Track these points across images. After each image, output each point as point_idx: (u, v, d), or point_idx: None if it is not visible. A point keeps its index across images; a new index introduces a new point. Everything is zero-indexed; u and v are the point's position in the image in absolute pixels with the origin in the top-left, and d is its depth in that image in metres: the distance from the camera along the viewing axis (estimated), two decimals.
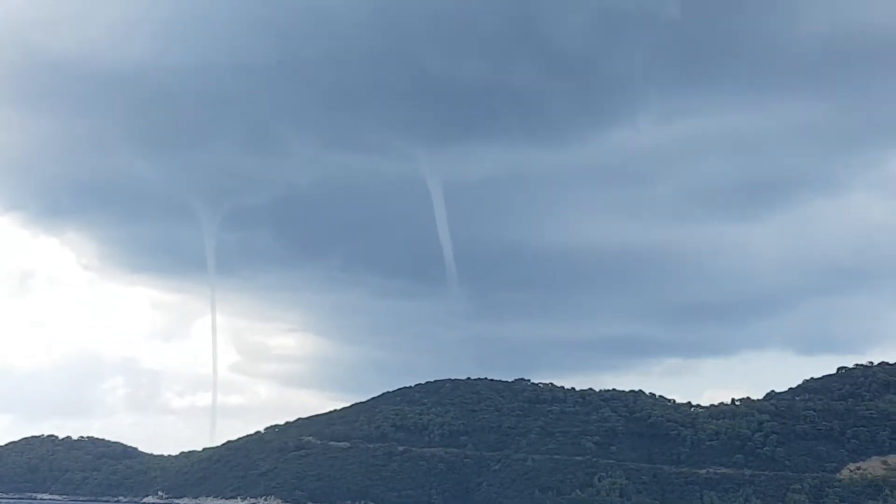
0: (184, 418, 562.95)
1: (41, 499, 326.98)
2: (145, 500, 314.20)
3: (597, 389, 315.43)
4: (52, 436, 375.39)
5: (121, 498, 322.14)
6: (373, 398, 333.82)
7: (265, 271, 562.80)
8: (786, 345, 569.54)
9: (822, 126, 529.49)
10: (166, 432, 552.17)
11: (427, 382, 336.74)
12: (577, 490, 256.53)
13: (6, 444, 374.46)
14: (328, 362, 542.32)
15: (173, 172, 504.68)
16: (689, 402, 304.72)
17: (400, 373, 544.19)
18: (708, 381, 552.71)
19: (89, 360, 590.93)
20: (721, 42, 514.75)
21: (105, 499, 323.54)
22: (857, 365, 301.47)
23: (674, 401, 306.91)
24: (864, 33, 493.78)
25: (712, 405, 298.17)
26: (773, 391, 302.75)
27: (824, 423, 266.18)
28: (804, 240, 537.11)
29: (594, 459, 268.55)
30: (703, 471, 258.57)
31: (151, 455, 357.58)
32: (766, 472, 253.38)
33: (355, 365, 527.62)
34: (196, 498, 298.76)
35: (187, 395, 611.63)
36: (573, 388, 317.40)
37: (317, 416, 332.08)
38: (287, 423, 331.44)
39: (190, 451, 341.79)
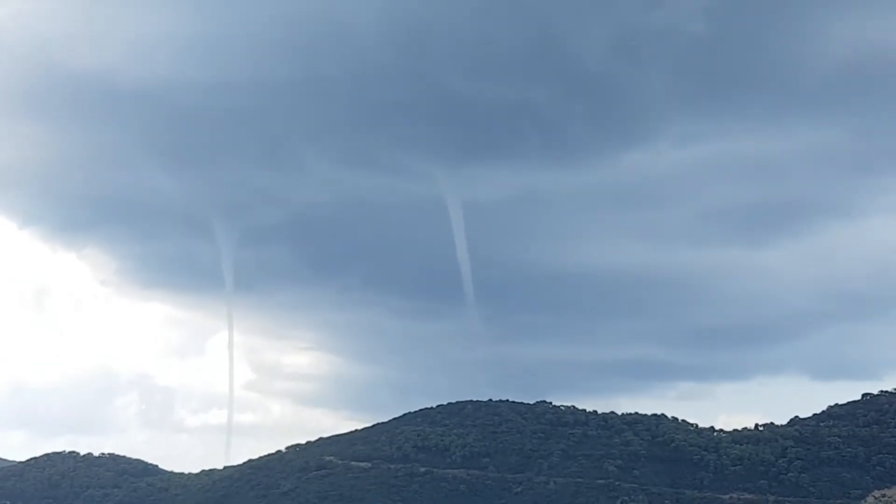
0: (197, 436, 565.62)
1: None
2: None
3: (619, 413, 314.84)
4: (74, 452, 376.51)
5: None
6: (394, 419, 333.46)
7: (281, 289, 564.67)
8: (802, 370, 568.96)
9: (840, 150, 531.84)
10: (180, 450, 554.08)
11: (448, 404, 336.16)
12: None
13: (27, 460, 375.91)
14: (343, 381, 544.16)
15: (192, 188, 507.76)
16: (712, 427, 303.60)
17: (415, 393, 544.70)
18: (723, 406, 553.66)
19: (104, 377, 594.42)
20: (740, 65, 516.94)
21: None
22: (882, 391, 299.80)
23: (696, 425, 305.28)
24: (884, 57, 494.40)
25: (735, 430, 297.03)
26: (796, 416, 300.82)
27: (849, 449, 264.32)
28: (821, 264, 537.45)
29: (617, 483, 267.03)
30: (727, 496, 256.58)
31: (172, 473, 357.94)
32: (790, 499, 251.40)
33: (370, 384, 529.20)
34: None
35: (201, 413, 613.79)
36: (595, 411, 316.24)
37: (338, 435, 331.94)
38: (308, 442, 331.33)
39: (211, 470, 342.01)
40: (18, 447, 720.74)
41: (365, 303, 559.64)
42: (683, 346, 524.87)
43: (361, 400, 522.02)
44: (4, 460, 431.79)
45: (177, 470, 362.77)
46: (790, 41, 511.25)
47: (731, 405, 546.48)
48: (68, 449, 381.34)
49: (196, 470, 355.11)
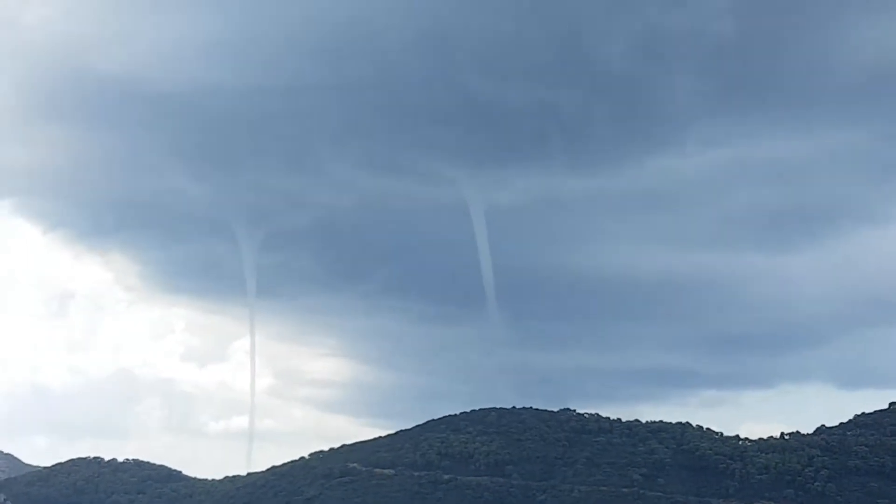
0: (219, 441, 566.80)
1: None
2: None
3: (643, 421, 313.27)
4: (98, 458, 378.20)
5: None
6: (417, 426, 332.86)
7: (303, 294, 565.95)
8: (826, 377, 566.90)
9: (865, 154, 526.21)
10: (201, 455, 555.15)
11: (472, 411, 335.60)
12: None
13: (53, 466, 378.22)
14: (364, 388, 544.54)
15: (215, 192, 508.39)
16: (737, 436, 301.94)
17: (437, 400, 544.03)
18: (747, 414, 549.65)
19: (126, 381, 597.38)
20: (766, 67, 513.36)
21: None
22: None
23: (721, 433, 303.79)
24: None
25: (761, 439, 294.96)
26: (823, 425, 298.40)
27: (876, 458, 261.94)
28: (846, 270, 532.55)
29: (641, 492, 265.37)
30: None
31: (196, 479, 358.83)
32: None
33: (392, 391, 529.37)
34: None
35: (222, 419, 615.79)
36: (619, 419, 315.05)
37: (361, 442, 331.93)
38: (331, 449, 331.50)
39: (234, 476, 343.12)
40: (41, 452, 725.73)
41: (387, 308, 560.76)
42: (706, 352, 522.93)
43: (382, 406, 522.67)
44: (28, 465, 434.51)
45: (199, 476, 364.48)
46: (816, 43, 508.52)
47: (754, 413, 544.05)
48: (90, 454, 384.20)
49: (218, 475, 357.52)
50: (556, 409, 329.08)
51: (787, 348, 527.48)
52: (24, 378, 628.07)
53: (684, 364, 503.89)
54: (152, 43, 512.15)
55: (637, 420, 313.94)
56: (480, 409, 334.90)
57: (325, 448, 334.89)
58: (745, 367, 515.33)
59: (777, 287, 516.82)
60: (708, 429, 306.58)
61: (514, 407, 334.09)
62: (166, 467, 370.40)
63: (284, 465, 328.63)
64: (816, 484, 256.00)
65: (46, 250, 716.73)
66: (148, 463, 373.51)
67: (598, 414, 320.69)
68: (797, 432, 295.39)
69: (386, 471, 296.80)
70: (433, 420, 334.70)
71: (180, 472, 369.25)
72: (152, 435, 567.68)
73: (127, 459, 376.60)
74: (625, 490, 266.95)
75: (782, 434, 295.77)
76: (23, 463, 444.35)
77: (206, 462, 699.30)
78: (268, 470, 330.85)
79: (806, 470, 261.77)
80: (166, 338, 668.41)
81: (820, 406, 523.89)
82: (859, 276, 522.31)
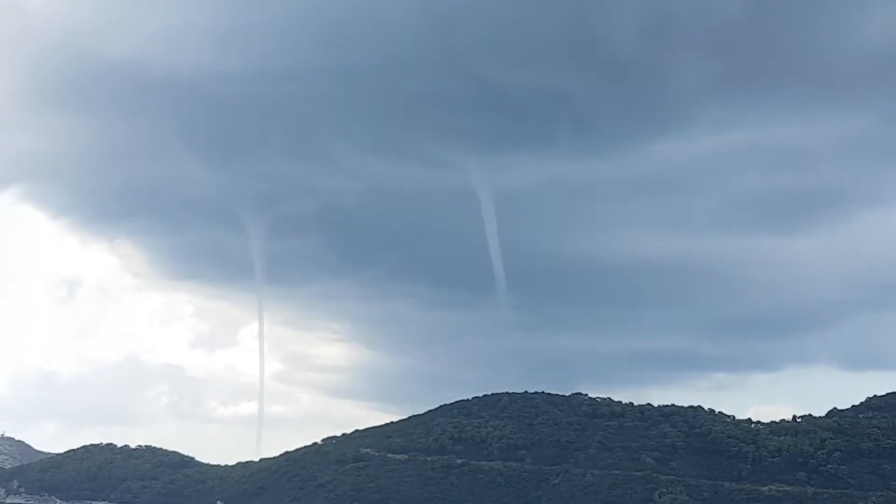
0: (228, 427, 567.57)
1: None
2: None
3: (655, 404, 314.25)
4: (111, 444, 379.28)
5: None
6: (430, 410, 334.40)
7: (311, 280, 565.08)
8: (833, 360, 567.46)
9: (869, 138, 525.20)
10: (210, 441, 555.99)
11: (484, 396, 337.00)
12: None
13: (66, 452, 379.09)
14: (372, 373, 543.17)
15: (222, 179, 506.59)
16: (749, 419, 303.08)
17: (445, 384, 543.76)
18: (755, 396, 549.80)
19: (135, 368, 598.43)
20: (772, 50, 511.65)
21: None
22: None
23: (733, 417, 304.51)
24: None
25: (773, 422, 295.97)
26: (835, 408, 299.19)
27: (889, 440, 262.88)
28: (851, 253, 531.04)
29: (654, 475, 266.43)
30: (766, 488, 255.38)
31: (209, 465, 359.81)
32: (829, 490, 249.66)
33: (400, 376, 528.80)
34: None
35: (231, 404, 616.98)
36: (631, 403, 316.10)
37: (374, 427, 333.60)
38: (344, 434, 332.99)
39: (247, 462, 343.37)
40: (51, 438, 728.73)
41: (395, 293, 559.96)
42: (714, 336, 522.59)
43: (391, 391, 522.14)
44: (40, 452, 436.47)
45: (210, 461, 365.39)
46: (823, 27, 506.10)
47: (762, 396, 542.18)
48: (100, 440, 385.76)
49: (227, 461, 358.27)
50: (567, 394, 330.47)
51: (793, 331, 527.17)
52: (33, 365, 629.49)
53: (692, 347, 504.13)
54: (158, 28, 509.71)
55: (649, 404, 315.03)
56: (493, 394, 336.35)
57: (334, 433, 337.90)
58: (752, 351, 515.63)
59: (784, 270, 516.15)
60: (720, 412, 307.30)
61: (526, 392, 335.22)
62: (179, 453, 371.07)
63: (297, 450, 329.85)
64: (829, 466, 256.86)
65: (54, 237, 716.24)
66: (161, 449, 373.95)
67: (610, 398, 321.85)
68: (809, 415, 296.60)
69: (399, 456, 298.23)
70: (445, 405, 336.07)
71: (193, 458, 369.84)
72: (161, 421, 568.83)
73: (140, 446, 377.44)
74: (637, 474, 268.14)
75: (794, 417, 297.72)
76: (34, 450, 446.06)
77: (216, 448, 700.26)
78: (281, 455, 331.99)
79: (818, 452, 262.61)
80: (174, 324, 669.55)
81: (827, 389, 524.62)
82: (866, 260, 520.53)
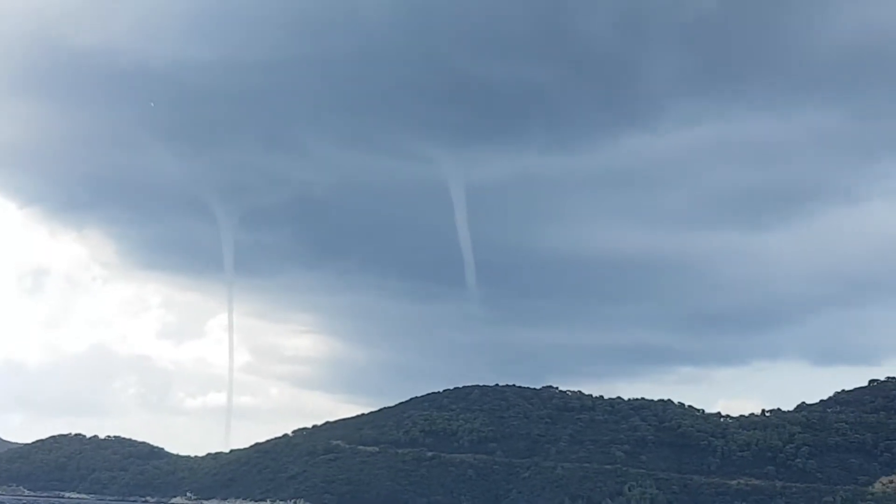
0: (196, 418, 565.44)
1: (69, 497, 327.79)
2: (173, 500, 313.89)
3: (625, 398, 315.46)
4: (80, 434, 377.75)
5: (148, 498, 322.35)
6: (401, 403, 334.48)
7: (280, 271, 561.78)
8: (800, 355, 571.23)
9: (840, 135, 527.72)
10: (179, 432, 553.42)
11: (455, 388, 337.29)
12: (608, 499, 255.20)
13: (34, 443, 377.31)
14: (341, 364, 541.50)
15: (192, 169, 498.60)
16: (719, 413, 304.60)
17: (415, 377, 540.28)
18: (721, 391, 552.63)
19: (103, 358, 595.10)
20: (743, 45, 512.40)
21: (133, 499, 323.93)
22: (888, 378, 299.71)
23: (703, 411, 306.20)
24: (886, 42, 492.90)
25: (742, 416, 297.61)
26: (803, 403, 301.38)
27: (857, 435, 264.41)
28: (820, 249, 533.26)
29: (624, 468, 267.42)
30: (734, 482, 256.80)
31: (178, 456, 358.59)
32: (797, 484, 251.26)
33: (370, 368, 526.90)
34: (224, 500, 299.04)
35: (200, 396, 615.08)
36: (602, 397, 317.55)
37: (345, 419, 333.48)
38: (315, 426, 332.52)
39: (217, 453, 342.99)
40: (19, 428, 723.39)
41: (365, 286, 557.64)
42: (682, 330, 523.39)
43: (360, 383, 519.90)
44: (7, 442, 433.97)
45: (179, 452, 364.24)
46: (795, 22, 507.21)
47: (730, 390, 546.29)
48: (69, 430, 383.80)
49: (195, 452, 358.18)
50: (538, 387, 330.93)
51: (761, 326, 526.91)
52: (0, 355, 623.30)
53: (661, 341, 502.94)
54: (129, 16, 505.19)
55: (619, 397, 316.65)
56: (464, 387, 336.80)
57: (303, 425, 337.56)
58: (720, 345, 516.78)
59: (753, 266, 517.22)
60: (689, 406, 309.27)
61: (496, 385, 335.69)
62: (148, 444, 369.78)
63: (268, 441, 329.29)
64: (797, 461, 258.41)
65: (22, 226, 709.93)
66: (130, 440, 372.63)
67: (580, 392, 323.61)
68: (778, 409, 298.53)
69: (369, 448, 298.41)
70: (416, 397, 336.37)
71: (162, 448, 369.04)
72: (130, 411, 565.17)
73: (109, 436, 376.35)
74: (608, 467, 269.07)
75: (763, 411, 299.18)
76: (1, 440, 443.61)
77: (185, 439, 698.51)
78: (251, 447, 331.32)
79: (787, 447, 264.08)
80: (143, 315, 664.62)
81: (795, 383, 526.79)
82: (834, 256, 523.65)
